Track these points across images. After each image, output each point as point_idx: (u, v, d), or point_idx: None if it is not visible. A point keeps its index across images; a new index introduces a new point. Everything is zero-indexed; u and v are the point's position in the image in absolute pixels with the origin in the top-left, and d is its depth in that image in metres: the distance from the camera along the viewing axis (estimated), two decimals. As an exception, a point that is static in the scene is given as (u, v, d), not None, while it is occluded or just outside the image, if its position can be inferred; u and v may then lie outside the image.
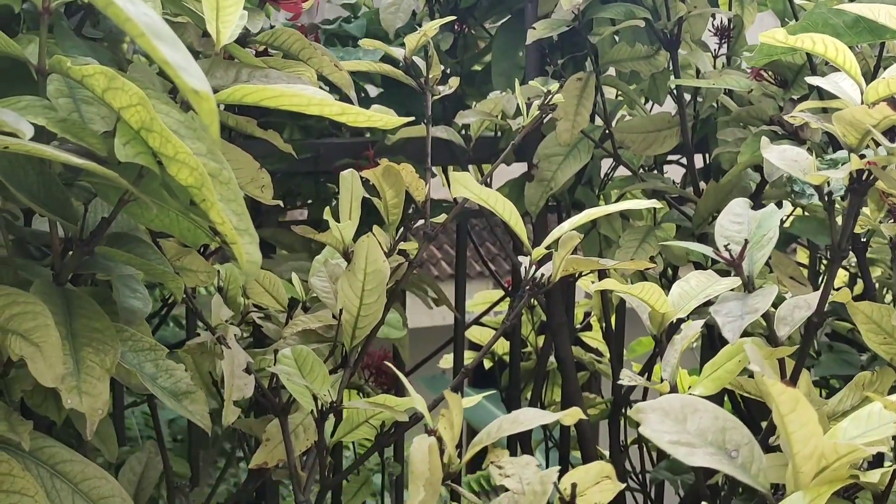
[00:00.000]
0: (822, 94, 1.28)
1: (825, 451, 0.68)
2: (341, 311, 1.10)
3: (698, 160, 1.71)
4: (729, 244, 0.90)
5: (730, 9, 1.71)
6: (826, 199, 0.91)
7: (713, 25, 1.73)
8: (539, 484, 0.76)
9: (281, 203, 1.08)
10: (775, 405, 0.68)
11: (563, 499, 0.77)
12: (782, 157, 0.90)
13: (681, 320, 0.98)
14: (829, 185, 0.91)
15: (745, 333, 1.12)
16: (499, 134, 1.77)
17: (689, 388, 0.88)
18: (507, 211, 1.07)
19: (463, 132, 1.61)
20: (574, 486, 0.77)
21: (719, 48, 1.73)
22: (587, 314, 2.16)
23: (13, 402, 0.92)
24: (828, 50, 0.88)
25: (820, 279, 1.76)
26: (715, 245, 0.95)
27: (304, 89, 0.85)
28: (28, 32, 0.96)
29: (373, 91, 1.86)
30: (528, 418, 0.84)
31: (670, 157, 1.83)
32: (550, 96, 1.26)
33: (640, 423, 0.73)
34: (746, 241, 0.89)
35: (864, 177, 0.88)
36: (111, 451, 1.08)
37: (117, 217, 0.92)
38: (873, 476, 0.74)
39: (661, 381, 0.90)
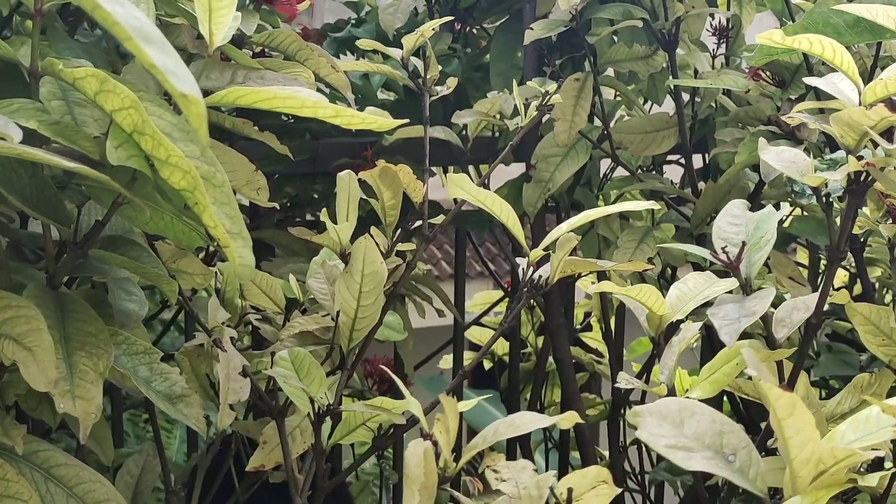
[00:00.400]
0: (820, 93, 1.28)
1: (823, 455, 0.68)
2: (338, 312, 1.09)
3: (697, 160, 1.70)
4: (726, 246, 0.90)
5: (728, 9, 1.70)
6: (824, 200, 0.90)
7: (711, 25, 1.73)
8: (535, 488, 0.76)
9: (276, 206, 1.07)
10: (772, 410, 0.67)
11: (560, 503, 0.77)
12: (780, 159, 0.89)
13: (679, 322, 0.98)
14: (826, 186, 0.90)
15: (745, 335, 1.12)
16: (497, 134, 1.76)
17: (687, 390, 0.88)
18: (503, 212, 1.07)
19: (464, 132, 1.60)
20: (570, 490, 0.77)
21: (718, 48, 1.73)
22: (587, 315, 2.16)
23: (7, 406, 0.91)
24: (825, 51, 0.88)
25: (819, 279, 1.75)
26: (712, 247, 0.94)
27: (299, 91, 0.84)
28: (21, 35, 0.95)
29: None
30: (525, 422, 0.84)
31: (670, 158, 1.82)
32: (548, 97, 1.26)
33: (638, 426, 0.73)
34: (744, 243, 0.89)
35: (862, 178, 0.88)
36: (107, 454, 1.07)
37: (112, 220, 0.91)
38: (872, 480, 0.74)
39: (659, 383, 0.89)
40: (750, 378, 0.96)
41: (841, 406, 0.97)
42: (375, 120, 0.85)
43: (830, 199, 0.91)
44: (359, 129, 0.86)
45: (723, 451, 0.73)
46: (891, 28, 0.89)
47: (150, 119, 0.76)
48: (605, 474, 0.78)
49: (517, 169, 1.69)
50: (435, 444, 0.79)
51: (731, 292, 0.91)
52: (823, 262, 1.78)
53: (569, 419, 0.82)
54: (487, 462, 0.84)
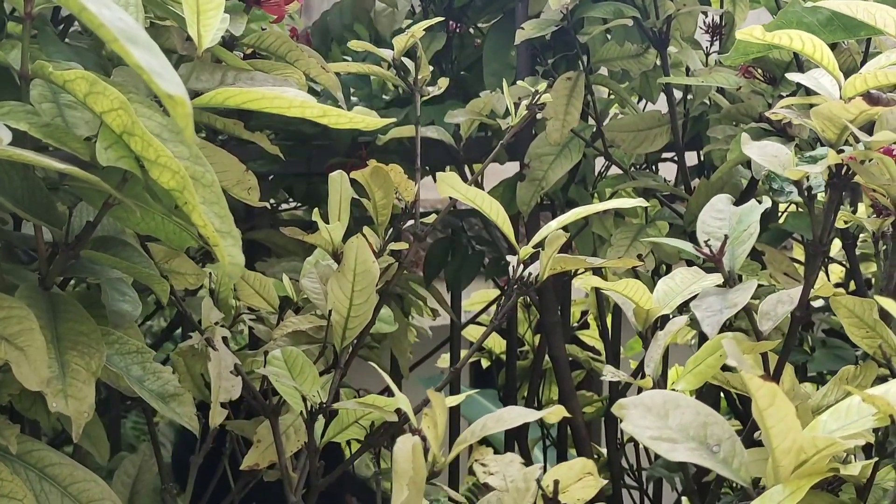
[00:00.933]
0: (809, 90, 1.29)
1: (804, 444, 0.68)
2: (331, 311, 1.10)
3: (692, 158, 1.71)
4: (709, 240, 0.91)
5: (721, 6, 1.71)
6: (806, 194, 0.91)
7: (705, 23, 1.74)
8: (522, 481, 0.77)
9: (268, 205, 1.08)
10: (754, 399, 0.68)
11: (546, 496, 0.77)
12: (762, 153, 0.90)
13: (666, 317, 0.99)
14: (808, 180, 0.91)
15: (738, 329, 1.12)
16: (489, 134, 1.77)
17: (673, 383, 0.89)
18: (493, 210, 1.07)
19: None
20: (556, 482, 0.77)
21: (711, 45, 1.73)
22: (584, 313, 2.17)
23: (1, 406, 0.92)
24: (805, 46, 0.88)
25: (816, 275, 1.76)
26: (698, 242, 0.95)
27: (286, 91, 0.85)
28: (11, 39, 0.96)
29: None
30: (513, 416, 0.84)
31: (665, 156, 1.83)
32: (538, 96, 1.26)
33: (623, 418, 0.74)
34: (727, 237, 0.89)
35: (842, 172, 0.89)
36: (102, 454, 1.08)
37: (104, 221, 0.92)
38: (854, 469, 0.75)
39: (645, 376, 0.90)
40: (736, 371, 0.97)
41: (827, 398, 0.98)
42: (363, 119, 0.86)
43: (812, 193, 0.91)
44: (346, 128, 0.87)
45: (707, 442, 0.74)
46: (869, 24, 0.89)
47: (140, 120, 0.77)
48: (590, 466, 0.79)
49: (512, 168, 1.70)
50: (423, 438, 0.80)
51: (716, 286, 0.92)
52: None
53: (556, 413, 0.83)
54: (476, 456, 0.85)
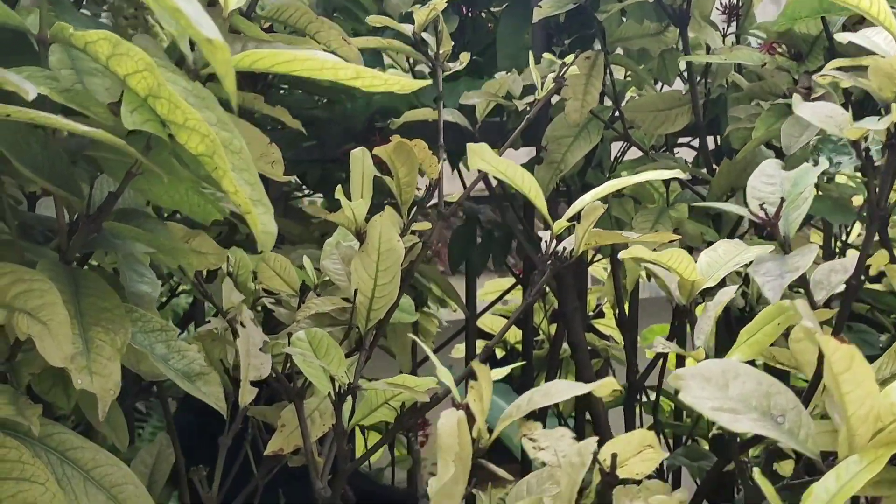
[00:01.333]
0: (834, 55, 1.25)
1: (881, 411, 0.65)
2: (356, 292, 1.06)
3: (709, 142, 1.67)
4: (763, 204, 0.87)
5: (738, -14, 1.68)
6: (864, 155, 0.87)
7: (721, 4, 1.70)
8: (577, 455, 0.73)
9: (292, 180, 1.05)
10: (828, 364, 0.64)
11: (604, 470, 0.73)
12: (816, 114, 0.86)
13: (708, 289, 0.95)
14: (866, 140, 0.87)
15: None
16: (503, 118, 1.74)
17: (728, 355, 0.85)
18: (526, 184, 1.03)
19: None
20: (615, 456, 0.74)
21: (728, 27, 1.70)
22: (599, 302, 2.14)
23: (21, 387, 0.88)
24: (861, 1, 0.85)
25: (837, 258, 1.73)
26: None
27: (316, 53, 0.81)
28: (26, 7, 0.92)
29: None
30: (560, 390, 0.81)
31: (681, 140, 1.80)
32: (565, 68, 1.23)
33: (680, 389, 0.70)
34: (783, 200, 0.86)
35: (902, 131, 0.85)
36: (122, 439, 1.04)
37: (125, 196, 0.88)
38: (929, 438, 0.71)
39: (696, 348, 0.86)
40: (786, 344, 0.94)
41: (882, 372, 0.94)
42: (398, 81, 0.82)
43: (870, 154, 0.88)
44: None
45: (771, 413, 0.70)
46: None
47: (166, 82, 0.73)
48: (650, 438, 0.75)
49: (525, 155, 1.67)
50: (468, 413, 0.76)
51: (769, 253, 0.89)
52: (839, 242, 1.76)
53: (605, 385, 0.79)
54: (524, 431, 0.82)
